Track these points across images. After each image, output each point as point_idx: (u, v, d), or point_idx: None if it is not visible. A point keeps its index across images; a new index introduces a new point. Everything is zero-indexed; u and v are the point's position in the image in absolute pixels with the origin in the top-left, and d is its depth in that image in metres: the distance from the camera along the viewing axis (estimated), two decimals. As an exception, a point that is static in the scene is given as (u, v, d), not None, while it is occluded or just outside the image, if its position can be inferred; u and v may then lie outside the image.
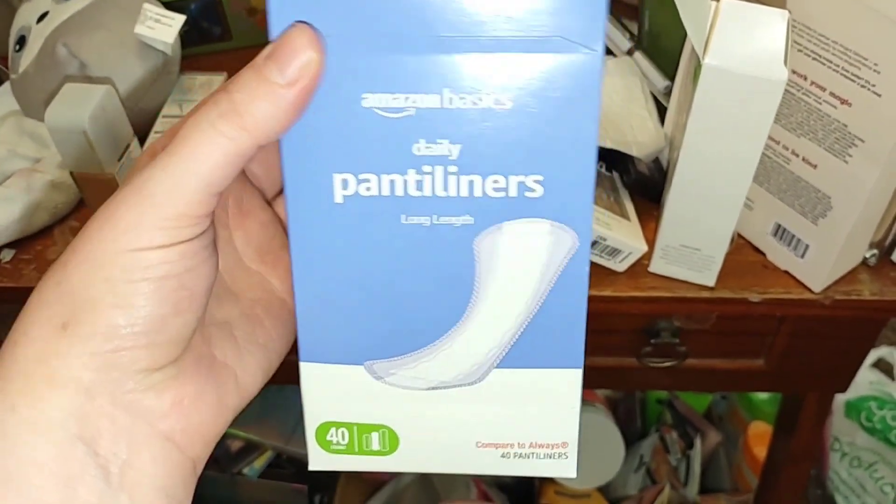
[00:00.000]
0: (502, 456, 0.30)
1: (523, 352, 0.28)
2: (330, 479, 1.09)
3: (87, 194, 0.60)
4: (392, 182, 0.26)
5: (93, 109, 0.55)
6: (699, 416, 1.13)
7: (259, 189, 0.30)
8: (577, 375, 0.29)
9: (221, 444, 1.07)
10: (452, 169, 0.26)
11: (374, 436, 0.30)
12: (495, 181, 0.26)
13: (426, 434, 0.30)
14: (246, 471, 1.05)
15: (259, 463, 1.06)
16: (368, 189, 0.26)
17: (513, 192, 0.26)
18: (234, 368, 0.28)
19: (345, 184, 0.26)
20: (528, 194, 0.26)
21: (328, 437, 0.30)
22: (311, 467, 0.31)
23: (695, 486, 1.07)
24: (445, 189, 0.26)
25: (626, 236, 0.57)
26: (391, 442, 0.30)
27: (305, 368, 0.29)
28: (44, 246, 0.63)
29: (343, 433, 0.30)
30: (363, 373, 0.29)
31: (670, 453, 1.09)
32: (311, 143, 0.26)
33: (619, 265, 0.58)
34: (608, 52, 0.65)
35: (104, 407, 0.24)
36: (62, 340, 0.24)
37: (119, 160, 0.58)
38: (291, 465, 1.07)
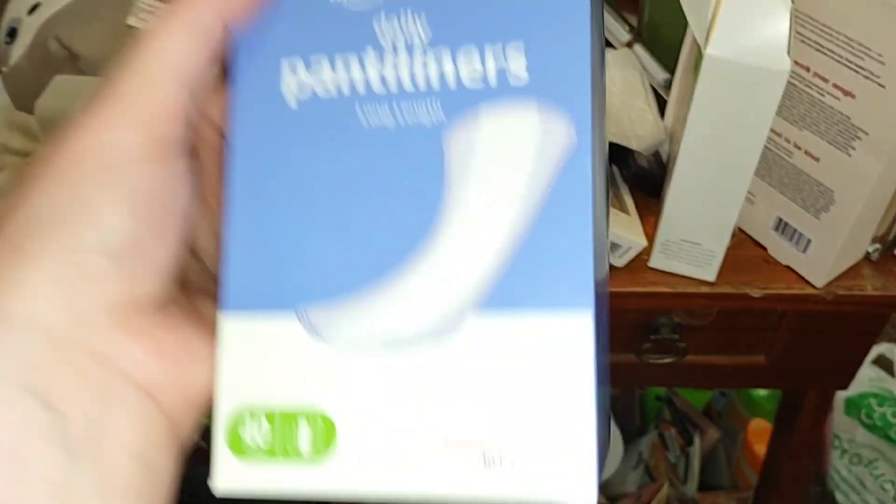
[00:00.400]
0: (484, 462, 0.20)
1: (509, 287, 0.21)
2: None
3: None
4: (346, 65, 0.22)
5: (84, 102, 0.54)
6: (698, 412, 1.12)
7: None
8: (585, 321, 0.20)
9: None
10: (417, 42, 0.22)
11: (303, 430, 0.21)
12: (468, 56, 0.21)
13: (373, 424, 0.21)
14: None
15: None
16: (321, 82, 0.22)
17: (490, 74, 0.21)
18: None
19: (294, 71, 0.22)
20: (510, 78, 0.21)
21: (243, 435, 0.22)
22: (218, 486, 0.22)
23: (694, 484, 1.07)
24: (411, 74, 0.22)
25: (625, 231, 0.56)
26: (324, 438, 0.21)
27: (229, 323, 0.22)
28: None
29: (262, 427, 0.22)
30: (295, 325, 0.22)
31: (669, 450, 1.08)
32: (261, 30, 0.23)
33: (619, 260, 0.58)
34: (608, 44, 0.65)
35: (68, 351, 0.19)
36: (17, 267, 0.19)
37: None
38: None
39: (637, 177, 0.61)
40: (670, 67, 0.61)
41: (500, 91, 0.21)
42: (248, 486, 0.22)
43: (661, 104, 0.62)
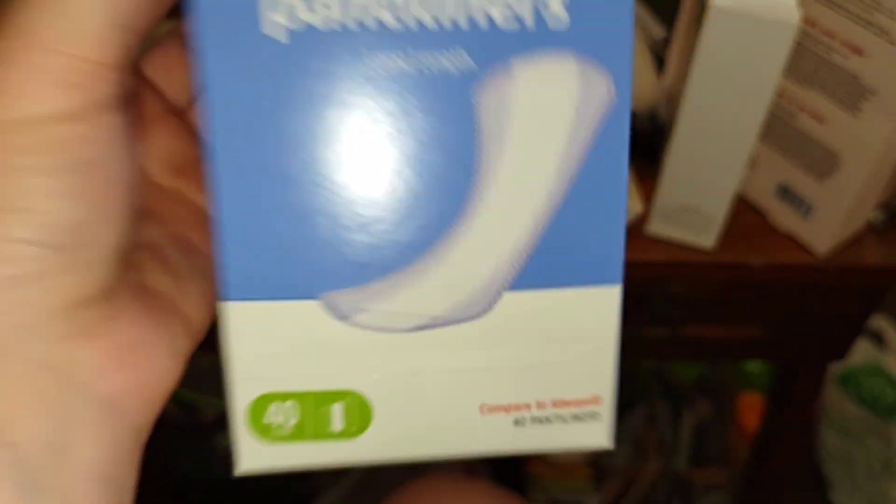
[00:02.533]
0: (515, 423, 0.21)
1: (545, 264, 0.20)
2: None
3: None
4: (353, 4, 0.18)
5: None
6: (689, 386, 1.11)
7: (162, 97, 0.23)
8: (615, 295, 0.21)
9: (193, 415, 1.04)
10: None
11: (336, 409, 0.21)
12: (500, 5, 0.18)
13: (410, 400, 0.21)
14: (220, 442, 1.03)
15: (236, 434, 1.03)
16: (317, 15, 0.18)
17: (527, 18, 0.18)
18: (177, 301, 0.21)
19: (274, 4, 0.17)
20: (546, 20, 0.18)
21: (266, 419, 0.21)
22: (241, 468, 0.21)
23: (684, 457, 1.06)
24: (431, 14, 0.18)
25: (621, 195, 0.54)
26: (360, 416, 0.21)
27: (235, 311, 0.20)
28: None
29: (289, 409, 0.21)
30: (319, 311, 0.20)
31: (659, 424, 1.07)
32: None
33: (614, 226, 0.55)
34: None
35: (13, 366, 0.16)
36: None
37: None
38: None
39: (633, 139, 0.58)
40: (668, 24, 0.58)
41: (536, 32, 0.18)
42: (276, 465, 0.21)
43: (659, 63, 0.59)
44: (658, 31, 0.59)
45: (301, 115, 0.18)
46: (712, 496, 1.02)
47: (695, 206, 0.53)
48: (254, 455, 0.21)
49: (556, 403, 0.22)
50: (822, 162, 0.52)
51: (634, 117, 0.57)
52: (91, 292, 0.18)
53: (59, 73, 0.16)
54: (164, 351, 0.20)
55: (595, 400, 0.22)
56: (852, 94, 0.49)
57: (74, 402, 0.17)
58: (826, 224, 0.54)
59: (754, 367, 1.11)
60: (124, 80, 0.18)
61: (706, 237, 0.55)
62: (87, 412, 0.18)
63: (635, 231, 0.56)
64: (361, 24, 0.18)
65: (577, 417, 0.22)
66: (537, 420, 0.22)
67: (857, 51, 0.47)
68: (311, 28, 0.18)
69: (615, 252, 0.20)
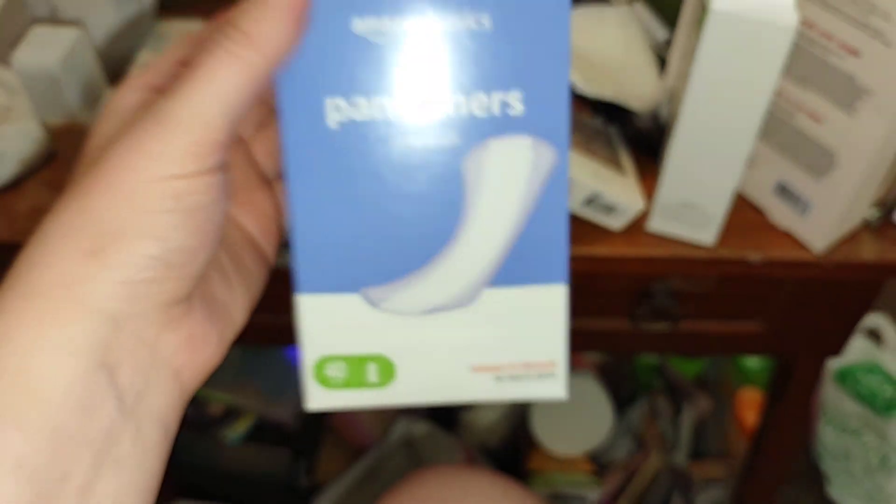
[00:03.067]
0: (496, 379, 0.31)
1: (512, 269, 0.30)
2: (313, 444, 1.07)
3: (60, 144, 0.57)
4: (381, 105, 0.28)
5: (63, 53, 0.52)
6: (689, 381, 1.12)
7: None
8: (561, 292, 0.30)
9: (202, 409, 1.05)
10: (438, 88, 0.28)
11: (371, 367, 0.31)
12: (479, 99, 0.28)
13: (422, 361, 0.31)
14: (227, 435, 1.04)
15: (241, 427, 1.04)
16: (360, 113, 0.28)
17: (496, 110, 0.28)
18: (229, 305, 0.29)
19: (337, 108, 0.28)
20: (509, 112, 0.28)
21: (326, 372, 0.31)
22: (310, 406, 0.31)
23: (683, 452, 1.07)
24: (433, 109, 0.28)
25: (623, 192, 0.55)
26: (387, 372, 0.31)
27: (304, 301, 0.30)
28: (14, 198, 0.60)
29: (340, 367, 0.31)
30: (359, 301, 0.30)
31: (659, 419, 1.08)
32: (303, 72, 0.27)
33: (616, 223, 0.56)
34: (608, 1, 0.63)
35: (128, 339, 0.25)
36: (90, 267, 0.24)
37: (91, 107, 0.55)
38: (273, 430, 1.05)
39: (636, 137, 0.59)
40: (671, 26, 0.59)
41: (502, 119, 0.28)
42: (333, 405, 0.31)
43: (662, 64, 0.60)
44: (661, 32, 0.60)
45: (348, 173, 0.28)
46: (711, 490, 1.03)
47: (695, 204, 0.54)
48: (318, 397, 0.31)
49: (524, 365, 0.31)
50: (820, 161, 0.53)
51: (637, 117, 0.58)
52: (181, 295, 0.26)
53: (187, 146, 0.24)
54: (215, 340, 0.28)
55: (551, 363, 0.31)
56: (848, 94, 0.50)
57: (155, 369, 0.26)
58: (823, 221, 0.55)
59: (753, 363, 1.12)
60: (227, 152, 0.26)
61: (706, 234, 0.56)
62: (162, 375, 0.26)
63: (636, 227, 0.57)
64: (385, 118, 0.28)
65: (540, 376, 0.31)
66: (512, 377, 0.31)
67: (854, 52, 0.48)
68: (352, 120, 0.28)
69: (560, 260, 0.30)
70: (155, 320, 0.25)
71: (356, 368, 0.31)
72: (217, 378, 1.01)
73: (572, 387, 1.01)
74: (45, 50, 0.52)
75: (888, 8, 0.45)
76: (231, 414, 1.05)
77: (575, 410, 1.02)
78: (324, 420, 1.09)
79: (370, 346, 0.30)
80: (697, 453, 1.10)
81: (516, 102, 0.28)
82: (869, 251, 0.57)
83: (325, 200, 0.29)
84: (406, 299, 0.30)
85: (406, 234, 0.29)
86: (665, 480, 1.01)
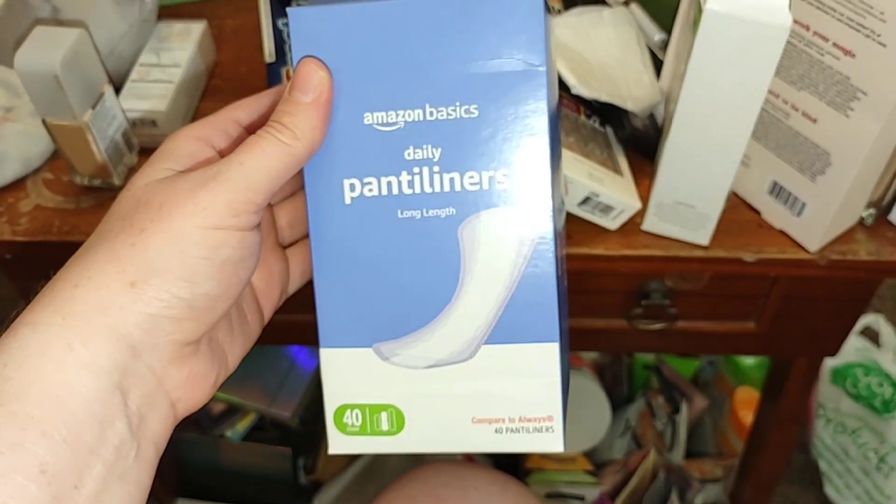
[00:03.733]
0: (496, 431, 0.34)
1: (506, 328, 0.33)
2: (313, 443, 1.08)
3: (61, 144, 0.57)
4: (389, 183, 0.32)
5: (65, 53, 0.52)
6: (686, 381, 1.12)
7: None
8: (553, 349, 0.33)
9: (203, 407, 1.06)
10: (436, 169, 0.32)
11: (384, 416, 0.34)
12: (471, 176, 0.32)
13: (428, 412, 0.34)
14: (228, 433, 1.04)
15: (242, 425, 1.04)
16: (371, 190, 0.32)
17: (486, 186, 0.32)
18: (227, 352, 0.33)
19: (352, 187, 0.32)
20: (498, 186, 0.32)
21: (344, 420, 0.35)
22: (332, 451, 0.35)
23: (680, 451, 1.07)
24: (431, 186, 0.32)
25: (619, 192, 0.55)
26: (398, 421, 0.34)
27: (325, 354, 0.34)
28: (16, 198, 0.60)
29: (357, 415, 0.34)
30: (372, 355, 0.34)
31: (656, 418, 1.09)
32: (324, 157, 0.32)
33: (612, 223, 0.57)
34: (604, 3, 0.63)
35: (142, 368, 0.28)
36: (128, 296, 0.27)
37: (92, 108, 0.55)
38: (274, 428, 1.05)
39: (632, 138, 0.60)
40: (667, 27, 0.60)
41: (492, 193, 0.32)
42: (351, 450, 0.35)
43: (657, 65, 0.61)
44: (656, 34, 0.61)
45: (360, 241, 0.33)
46: (708, 489, 1.03)
47: (690, 203, 0.55)
48: (338, 442, 0.35)
49: (522, 419, 0.33)
50: (814, 161, 0.54)
51: (633, 117, 0.59)
52: (195, 337, 0.29)
53: (230, 202, 0.29)
54: (211, 381, 0.31)
55: (549, 418, 0.33)
56: (843, 94, 0.50)
57: (158, 398, 0.29)
58: (818, 221, 0.55)
59: (750, 362, 1.12)
60: (261, 214, 0.30)
61: (701, 234, 0.56)
62: (162, 404, 0.29)
63: (632, 227, 0.58)
64: (391, 193, 0.32)
65: (537, 430, 0.33)
66: (511, 430, 0.34)
67: (848, 52, 0.49)
68: (363, 196, 0.33)
69: (551, 320, 0.33)
70: (167, 355, 0.29)
71: (371, 417, 0.34)
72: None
73: (570, 386, 1.01)
74: (46, 50, 0.52)
75: (883, 8, 0.46)
76: (232, 412, 1.05)
77: (572, 409, 1.02)
78: (324, 419, 1.10)
79: (382, 397, 0.34)
80: (694, 452, 1.11)
81: (504, 178, 0.32)
82: (864, 251, 0.57)
83: (341, 266, 0.33)
84: (412, 354, 0.33)
85: (410, 294, 0.33)
86: (662, 479, 1.01)
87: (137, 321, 0.27)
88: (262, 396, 1.02)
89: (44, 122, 0.56)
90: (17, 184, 0.61)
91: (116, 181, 0.60)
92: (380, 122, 0.32)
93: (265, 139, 0.30)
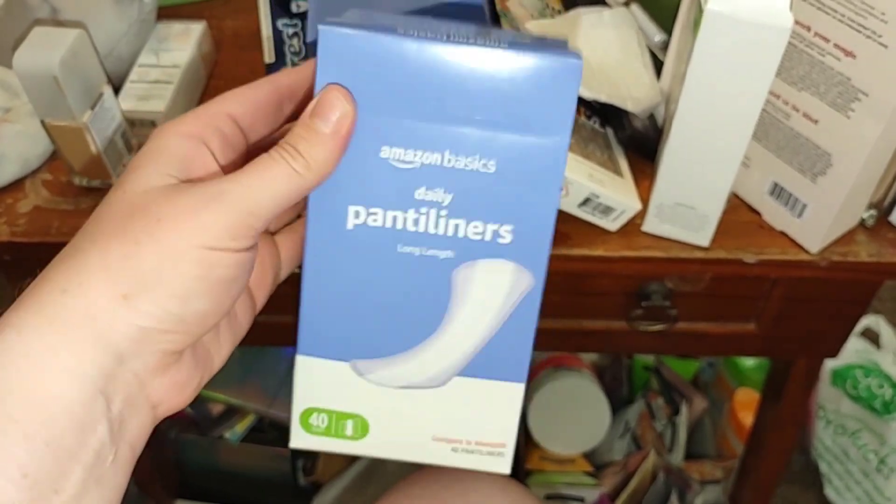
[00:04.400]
0: (452, 449, 0.36)
1: (480, 364, 0.35)
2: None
3: (60, 144, 0.57)
4: (394, 217, 0.33)
5: (63, 53, 0.52)
6: (686, 382, 1.12)
7: None
8: (519, 389, 0.36)
9: (202, 408, 1.06)
10: (444, 213, 0.33)
11: (349, 423, 0.36)
12: (475, 226, 0.33)
13: (392, 425, 0.36)
14: (227, 435, 1.04)
15: (241, 427, 1.04)
16: (375, 220, 0.33)
17: (488, 237, 0.33)
18: (212, 353, 0.33)
19: (357, 214, 0.33)
20: (500, 240, 0.33)
21: (310, 420, 0.36)
22: (292, 445, 0.36)
23: (680, 452, 1.07)
24: (436, 228, 0.33)
25: (619, 193, 0.55)
26: (362, 429, 0.36)
27: (301, 360, 0.35)
28: (14, 199, 0.60)
29: (323, 418, 0.36)
30: (348, 369, 0.35)
31: (656, 419, 1.08)
32: (334, 179, 0.32)
33: (612, 224, 0.57)
34: (604, 3, 0.63)
35: (126, 374, 0.28)
36: (119, 308, 0.27)
37: (91, 109, 0.55)
38: (273, 429, 1.05)
39: (632, 139, 0.60)
40: (667, 28, 0.60)
41: (492, 245, 0.33)
42: (311, 447, 0.36)
43: (658, 65, 0.61)
44: (657, 34, 0.60)
45: (356, 267, 0.34)
46: (708, 490, 1.03)
47: (690, 205, 0.54)
48: (299, 438, 0.36)
49: (478, 443, 0.36)
50: (815, 162, 0.54)
51: (633, 118, 0.59)
52: (181, 349, 0.29)
53: (230, 224, 0.28)
54: (193, 385, 0.32)
55: (502, 444, 0.36)
56: (844, 95, 0.50)
57: (139, 402, 0.29)
58: (818, 222, 0.55)
59: (750, 364, 1.12)
60: (258, 238, 0.30)
61: (701, 235, 0.56)
62: (143, 411, 0.29)
63: (633, 228, 0.58)
64: (394, 227, 0.33)
65: (490, 453, 0.37)
66: (466, 450, 0.37)
67: (849, 54, 0.49)
68: (365, 224, 0.33)
69: (523, 362, 0.35)
70: (151, 363, 0.29)
71: (336, 422, 0.36)
72: (217, 378, 1.01)
73: (570, 387, 1.01)
74: (45, 51, 0.52)
75: (884, 9, 0.46)
76: (231, 414, 1.05)
77: (572, 411, 1.02)
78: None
79: (351, 407, 0.36)
80: (694, 454, 1.11)
81: (507, 233, 0.33)
82: (864, 252, 0.57)
83: (332, 285, 0.34)
84: (387, 374, 0.35)
85: (396, 321, 0.34)
86: (662, 481, 1.01)
87: (127, 332, 0.27)
88: (262, 398, 1.02)
89: (42, 122, 0.55)
90: (16, 185, 0.61)
91: (115, 182, 0.60)
92: (397, 157, 0.32)
93: (276, 163, 0.30)
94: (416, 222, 0.33)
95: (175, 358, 0.30)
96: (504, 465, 0.37)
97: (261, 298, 0.36)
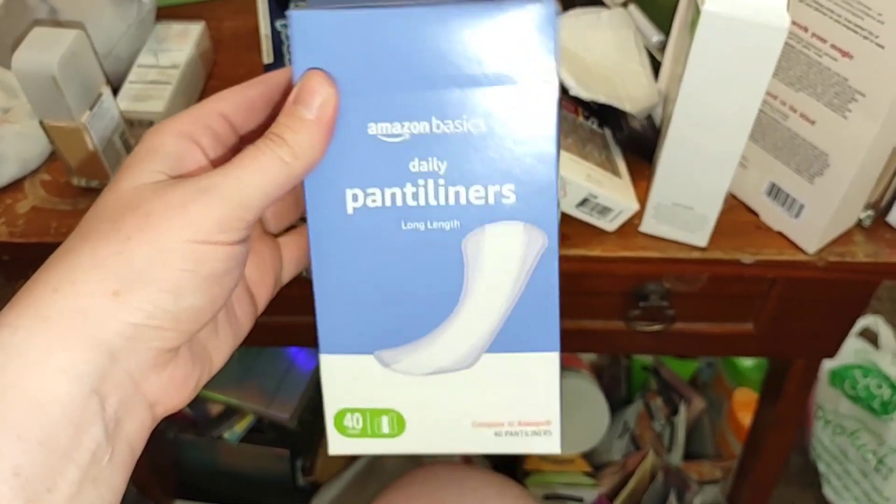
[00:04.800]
0: (495, 434, 0.34)
1: (508, 338, 0.33)
2: (311, 444, 1.08)
3: (58, 145, 0.57)
4: (393, 194, 0.32)
5: (62, 54, 0.52)
6: (684, 382, 1.12)
7: None
8: (554, 358, 0.34)
9: (201, 409, 1.06)
10: (441, 182, 0.32)
11: (384, 419, 0.35)
12: (476, 190, 0.32)
13: (429, 416, 0.34)
14: (226, 435, 1.04)
15: (240, 427, 1.04)
16: (374, 201, 0.32)
17: (491, 200, 0.32)
18: (211, 352, 0.33)
19: (355, 197, 0.32)
20: (504, 201, 0.32)
21: (345, 423, 0.35)
22: (331, 452, 0.36)
23: (679, 453, 1.07)
24: (436, 199, 0.32)
25: (617, 194, 0.55)
26: (399, 425, 0.35)
27: (325, 360, 0.34)
28: (13, 199, 0.60)
29: (357, 418, 0.35)
30: (373, 361, 0.34)
31: (655, 419, 1.09)
32: (327, 166, 0.31)
33: (610, 224, 0.57)
34: (602, 4, 0.63)
35: (120, 373, 0.28)
36: (110, 305, 0.27)
37: (90, 109, 0.55)
38: (272, 430, 1.05)
39: (630, 140, 0.60)
40: (665, 28, 0.60)
41: (497, 207, 0.32)
42: (351, 451, 0.35)
43: (656, 66, 0.61)
44: (655, 35, 0.61)
45: (363, 253, 0.33)
46: (707, 490, 1.03)
47: (688, 205, 0.55)
48: (338, 444, 0.35)
49: (521, 423, 0.34)
50: (812, 162, 0.54)
51: (631, 119, 0.59)
52: (175, 346, 0.29)
53: (221, 217, 0.28)
54: (192, 385, 0.31)
55: (547, 422, 0.34)
56: (841, 96, 0.50)
57: (135, 401, 0.29)
58: (816, 223, 0.55)
59: (748, 364, 1.12)
60: (251, 230, 0.30)
61: (699, 235, 0.56)
62: (139, 407, 0.29)
63: (630, 229, 0.58)
64: (395, 205, 0.32)
65: (535, 433, 0.35)
66: (510, 433, 0.35)
67: (846, 54, 0.49)
68: (365, 207, 0.32)
69: (552, 329, 0.33)
70: (145, 361, 0.28)
71: (371, 420, 0.35)
72: (216, 378, 1.01)
73: (568, 387, 1.01)
74: (44, 51, 0.52)
75: (881, 10, 0.46)
76: (230, 414, 1.05)
77: (571, 411, 1.02)
78: (322, 420, 1.10)
79: (383, 402, 0.34)
80: (693, 454, 1.11)
81: (510, 193, 0.32)
82: (862, 253, 0.57)
83: (342, 275, 0.33)
84: (414, 361, 0.34)
85: (413, 304, 0.33)
86: (661, 481, 1.01)
87: (119, 329, 0.27)
88: (261, 398, 1.02)
89: (41, 123, 0.56)
90: (15, 185, 0.61)
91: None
92: (385, 132, 0.32)
93: (263, 154, 0.29)
94: (415, 196, 0.32)
95: (171, 355, 0.29)
96: (553, 445, 0.35)
97: (262, 299, 0.36)
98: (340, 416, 0.35)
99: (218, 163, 0.31)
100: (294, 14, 0.31)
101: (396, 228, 0.32)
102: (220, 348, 0.33)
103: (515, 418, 0.34)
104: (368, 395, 0.34)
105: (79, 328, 0.27)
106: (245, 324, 0.35)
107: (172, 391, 0.30)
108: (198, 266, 0.28)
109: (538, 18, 0.30)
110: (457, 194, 0.32)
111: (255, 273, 0.35)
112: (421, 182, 0.32)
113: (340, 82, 0.31)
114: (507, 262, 0.32)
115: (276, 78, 0.33)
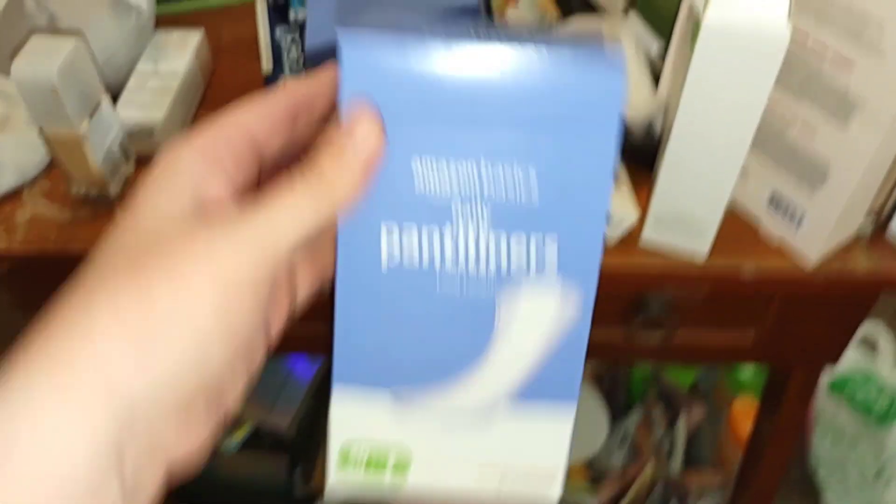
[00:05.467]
0: (501, 477, 0.35)
1: (529, 389, 0.33)
2: (310, 452, 1.07)
3: (58, 153, 0.57)
4: (430, 238, 0.31)
5: (61, 63, 0.52)
6: (684, 391, 1.12)
7: None
8: (571, 409, 0.34)
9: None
10: (483, 226, 0.30)
11: (391, 455, 0.34)
12: (517, 239, 0.31)
13: (437, 456, 0.34)
14: (224, 444, 1.04)
15: (238, 436, 1.04)
16: (410, 255, 0.31)
17: (532, 249, 0.31)
18: (227, 395, 0.31)
19: (389, 231, 0.31)
20: (545, 253, 0.31)
21: (350, 455, 0.34)
22: (330, 484, 0.35)
23: (678, 461, 1.07)
24: (476, 243, 0.31)
25: (617, 204, 0.55)
26: (405, 461, 0.34)
27: (338, 389, 0.33)
28: (12, 208, 0.60)
29: (364, 449, 0.34)
30: (388, 397, 0.33)
31: (654, 428, 1.08)
32: (363, 201, 0.30)
33: (610, 234, 0.57)
34: (602, 12, 0.63)
35: (139, 432, 0.26)
36: (130, 359, 0.25)
37: (89, 117, 0.55)
38: (271, 438, 1.05)
39: (630, 149, 0.60)
40: (665, 35, 0.60)
41: (537, 258, 0.31)
42: (352, 483, 0.35)
43: (656, 75, 0.61)
44: (655, 45, 0.61)
45: (393, 308, 0.32)
46: (706, 499, 1.03)
47: (688, 215, 0.54)
48: (339, 476, 0.34)
49: (527, 467, 0.34)
50: (813, 173, 0.54)
51: (631, 129, 0.59)
52: (195, 396, 0.27)
53: (252, 265, 0.27)
54: (206, 441, 0.29)
55: (554, 469, 0.35)
56: (842, 106, 0.50)
57: (152, 457, 0.27)
58: (816, 233, 0.55)
59: (748, 373, 1.12)
60: (280, 270, 0.28)
61: (699, 245, 0.56)
62: (157, 469, 0.28)
63: (630, 239, 0.58)
64: (432, 268, 0.31)
65: (539, 480, 0.35)
66: (514, 477, 0.35)
67: (847, 64, 0.49)
68: (400, 266, 0.31)
69: (574, 385, 0.33)
70: (164, 417, 0.27)
71: (377, 454, 0.34)
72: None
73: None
74: (43, 59, 0.52)
75: (882, 20, 0.46)
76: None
77: (571, 419, 1.02)
78: (321, 428, 1.09)
79: (391, 434, 0.34)
80: (692, 462, 1.10)
81: (551, 244, 0.31)
82: (862, 263, 0.57)
83: (367, 320, 0.32)
84: (431, 403, 0.33)
85: (439, 350, 0.32)
86: (660, 489, 1.01)
87: (141, 387, 0.26)
88: (259, 406, 1.02)
89: (40, 131, 0.55)
90: (14, 194, 0.61)
91: (113, 191, 0.59)
92: (429, 168, 0.30)
93: (300, 193, 0.28)
94: (454, 239, 0.31)
95: (191, 408, 0.28)
96: (554, 492, 0.35)
97: (276, 333, 0.34)
98: (346, 447, 0.34)
99: (242, 185, 0.30)
100: (345, 38, 0.29)
101: (431, 291, 0.31)
102: (236, 391, 0.31)
103: (522, 463, 0.34)
104: (378, 429, 0.34)
105: (97, 384, 0.25)
106: (259, 360, 0.33)
107: (189, 451, 0.29)
108: (224, 315, 0.26)
109: (612, 70, 0.29)
110: (497, 241, 0.31)
111: (271, 308, 0.33)
112: (461, 224, 0.30)
113: (388, 112, 0.29)
114: (540, 324, 0.32)
115: (300, 90, 0.31)
